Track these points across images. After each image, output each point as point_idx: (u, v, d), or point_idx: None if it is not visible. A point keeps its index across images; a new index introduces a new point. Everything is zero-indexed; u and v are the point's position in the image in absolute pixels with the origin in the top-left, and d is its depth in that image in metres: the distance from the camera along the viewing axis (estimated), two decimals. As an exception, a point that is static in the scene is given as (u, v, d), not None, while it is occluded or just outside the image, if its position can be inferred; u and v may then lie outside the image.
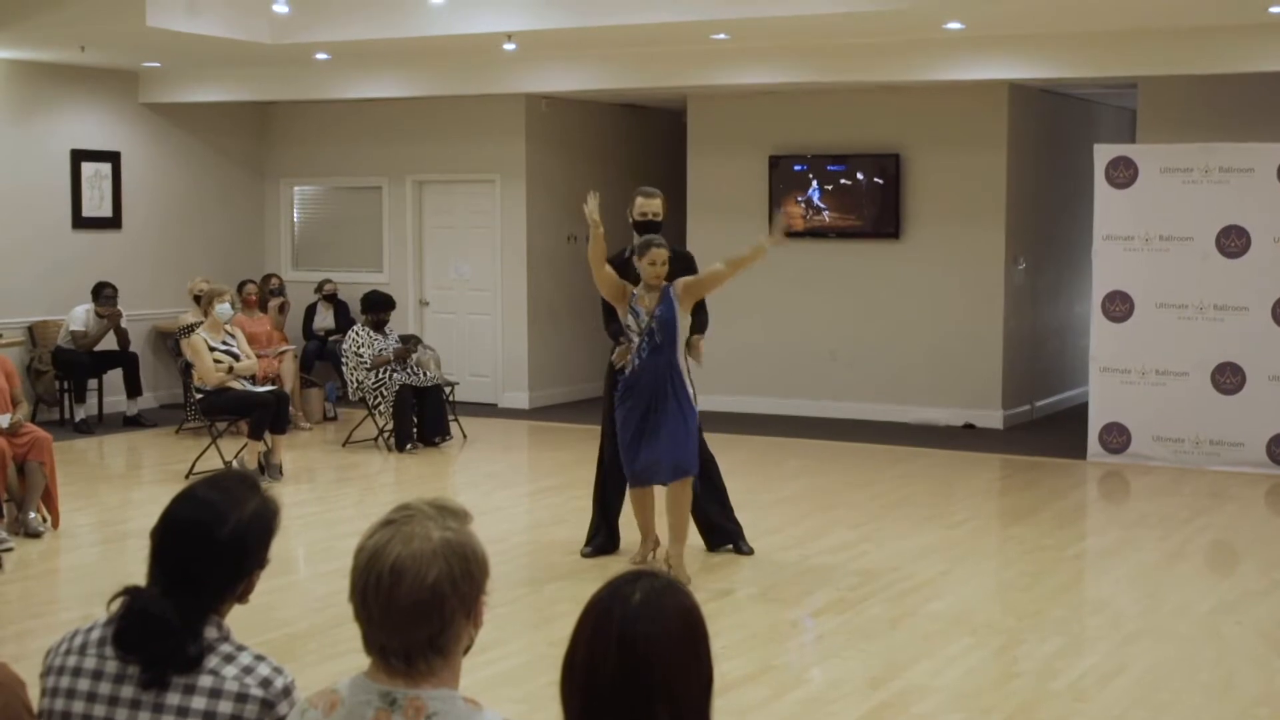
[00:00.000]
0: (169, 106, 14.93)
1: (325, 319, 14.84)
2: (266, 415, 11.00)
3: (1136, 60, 11.41)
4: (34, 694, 2.96)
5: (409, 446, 12.34)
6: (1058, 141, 14.32)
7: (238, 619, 2.93)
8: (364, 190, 15.67)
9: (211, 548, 2.84)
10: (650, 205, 8.22)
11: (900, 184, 13.64)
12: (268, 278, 14.94)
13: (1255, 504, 10.52)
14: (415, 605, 2.47)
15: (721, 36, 11.76)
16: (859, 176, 13.78)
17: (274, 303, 14.17)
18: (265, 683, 2.77)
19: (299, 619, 7.27)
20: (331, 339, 14.40)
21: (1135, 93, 12.96)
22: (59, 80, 13.97)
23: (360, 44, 12.38)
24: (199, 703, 2.75)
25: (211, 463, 10.73)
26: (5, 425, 8.98)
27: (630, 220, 8.31)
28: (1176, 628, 7.33)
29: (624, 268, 7.96)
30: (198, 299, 12.10)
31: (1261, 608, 7.66)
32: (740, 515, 8.75)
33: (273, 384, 11.99)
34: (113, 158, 14.54)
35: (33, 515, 9.08)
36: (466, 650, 2.60)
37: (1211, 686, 6.39)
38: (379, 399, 12.49)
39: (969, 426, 13.52)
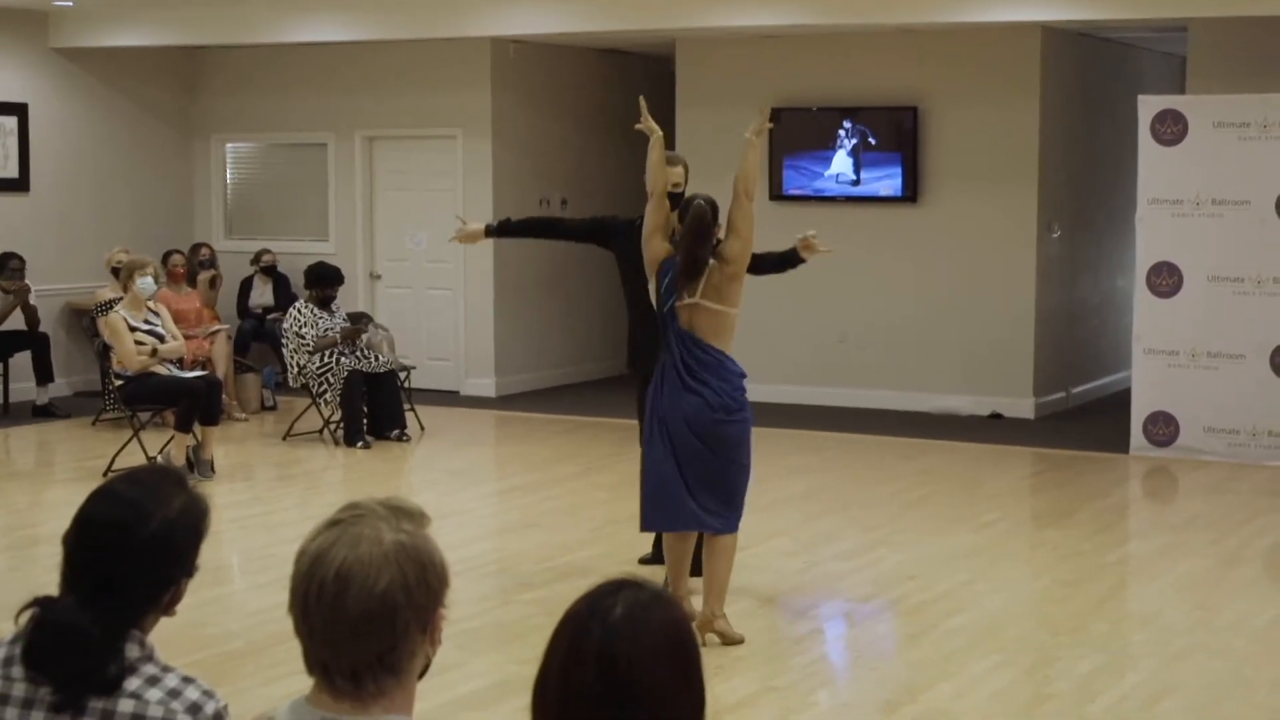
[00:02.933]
0: (83, 51, 14.86)
1: (263, 295, 14.82)
2: (196, 404, 10.98)
3: (1187, -1, 11.44)
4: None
5: (359, 441, 12.33)
6: (1098, 92, 14.34)
7: (164, 636, 2.92)
8: (307, 148, 15.64)
9: (133, 551, 2.83)
10: (674, 174, 7.77)
11: (918, 141, 13.64)
12: (196, 247, 14.90)
13: (1320, 503, 10.57)
14: (363, 616, 2.46)
15: (715, -28, 11.75)
16: (871, 132, 13.79)
17: (204, 276, 14.15)
18: (194, 708, 2.76)
19: (233, 636, 7.27)
20: (270, 317, 14.38)
21: (1185, 37, 12.96)
22: (-43, 22, 13.93)
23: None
24: (119, 731, 2.74)
25: (133, 458, 10.69)
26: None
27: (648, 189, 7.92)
28: (1232, 643, 7.36)
29: (631, 235, 7.75)
30: (116, 272, 12.07)
31: (1327, 621, 7.70)
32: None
33: (203, 368, 11.98)
34: (18, 110, 14.47)
35: (-71, 519, 9.08)
36: (423, 673, 2.59)
37: (1271, 708, 6.42)
38: (324, 386, 12.48)
39: (996, 416, 13.55)
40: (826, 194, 13.96)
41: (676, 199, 7.58)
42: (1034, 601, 8.32)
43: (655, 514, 7.17)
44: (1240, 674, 6.91)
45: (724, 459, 7.01)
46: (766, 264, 7.81)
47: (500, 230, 7.99)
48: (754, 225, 7.16)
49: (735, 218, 7.13)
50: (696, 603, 7.11)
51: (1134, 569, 9.15)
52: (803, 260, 7.83)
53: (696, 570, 7.28)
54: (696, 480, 6.99)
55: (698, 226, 6.93)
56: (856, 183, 13.90)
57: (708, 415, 6.92)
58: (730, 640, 7.06)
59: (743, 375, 7.13)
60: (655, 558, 7.83)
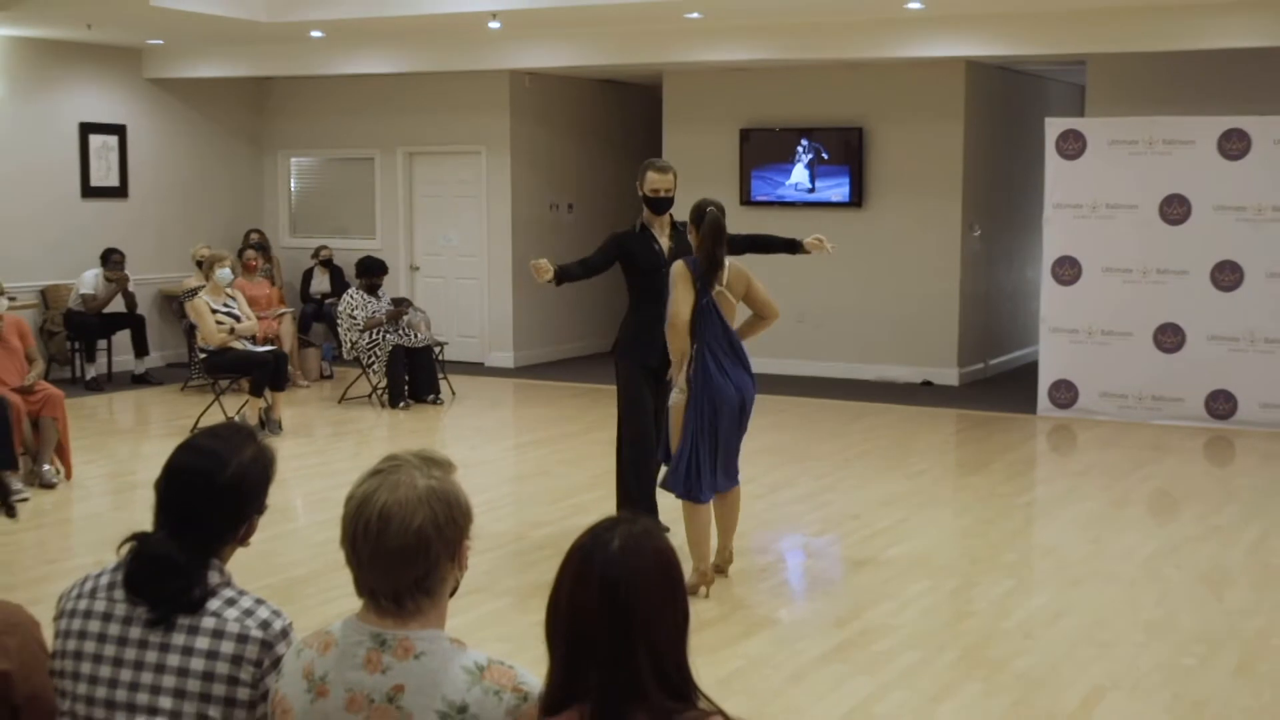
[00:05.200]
0: (172, 82, 14.82)
1: (321, 283, 14.79)
2: (266, 374, 10.97)
3: (1085, 38, 11.40)
4: (48, 635, 2.95)
5: (401, 403, 12.31)
6: (1011, 116, 14.31)
7: (240, 565, 2.91)
8: (358, 161, 15.59)
9: (212, 493, 2.83)
10: (663, 181, 7.39)
11: (863, 156, 13.62)
12: (248, 234, 14.86)
13: (1194, 455, 10.57)
14: (402, 548, 2.46)
15: (695, 15, 11.69)
16: (824, 149, 13.76)
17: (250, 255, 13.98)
18: (264, 625, 2.76)
19: (297, 565, 7.27)
20: (327, 302, 14.35)
21: (1084, 69, 12.94)
22: (68, 57, 13.86)
23: (353, 22, 12.29)
24: (202, 643, 2.74)
25: (215, 418, 10.65)
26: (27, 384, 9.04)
27: (641, 194, 7.50)
28: (1120, 571, 7.37)
29: (635, 242, 7.47)
30: (200, 264, 12.04)
31: (1199, 552, 7.70)
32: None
33: (272, 344, 11.96)
34: (119, 130, 14.43)
35: (47, 467, 9.06)
36: (453, 593, 2.59)
37: (1153, 625, 6.43)
38: (372, 358, 12.46)
39: (927, 384, 13.55)
40: (787, 200, 13.93)
41: (668, 203, 7.45)
42: (957, 536, 8.32)
43: (684, 486, 6.69)
44: (1127, 596, 6.92)
45: (744, 425, 6.86)
46: (775, 244, 7.65)
47: (560, 278, 7.63)
48: (756, 304, 6.91)
49: (758, 301, 6.88)
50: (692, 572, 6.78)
51: (1040, 509, 9.16)
52: (805, 251, 7.61)
53: None
54: (725, 454, 6.74)
55: (714, 232, 6.62)
56: (812, 190, 13.86)
57: (752, 384, 6.79)
58: (725, 569, 7.03)
59: None
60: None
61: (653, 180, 7.41)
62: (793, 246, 7.67)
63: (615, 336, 7.85)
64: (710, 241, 6.66)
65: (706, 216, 6.67)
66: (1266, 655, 5.98)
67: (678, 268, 6.69)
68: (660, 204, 7.43)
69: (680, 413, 6.66)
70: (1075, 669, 5.80)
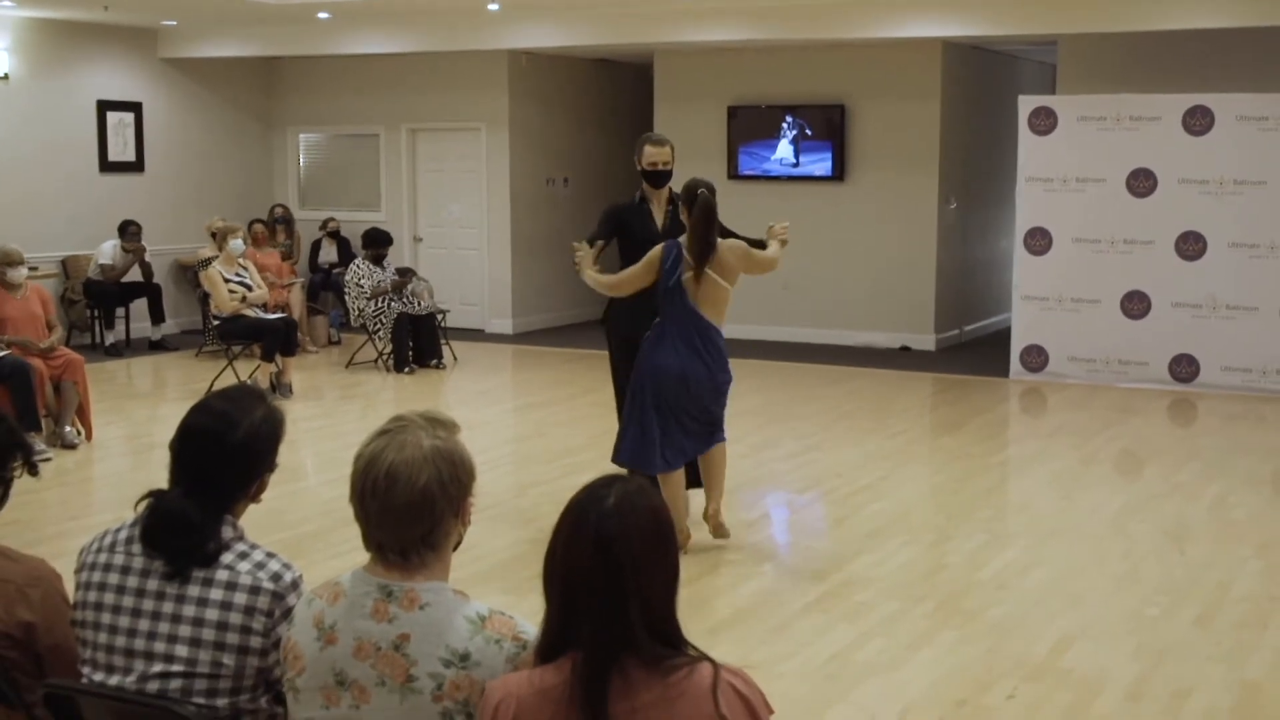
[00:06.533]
0: (185, 61, 14.73)
1: (329, 253, 14.75)
2: (277, 340, 10.95)
3: (1057, 19, 11.35)
4: (69, 587, 2.95)
5: (405, 368, 12.30)
6: (986, 93, 14.26)
7: (252, 521, 2.91)
8: (363, 137, 15.51)
9: (225, 452, 2.82)
10: (660, 154, 7.14)
11: (845, 132, 13.57)
12: (273, 208, 14.88)
13: (1158, 416, 10.59)
14: (408, 506, 2.46)
15: (685, -3, 11.64)
16: (808, 125, 13.71)
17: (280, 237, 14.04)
18: (276, 577, 2.76)
19: (307, 521, 7.27)
20: (335, 271, 14.31)
21: (1056, 49, 12.89)
22: (85, 37, 13.77)
23: (358, 4, 12.24)
24: (216, 594, 2.74)
25: (228, 382, 10.65)
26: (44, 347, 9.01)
27: (639, 168, 7.24)
28: (1088, 526, 7.39)
29: (632, 214, 7.20)
30: (214, 236, 12.00)
31: (1163, 508, 7.72)
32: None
33: (282, 312, 11.92)
34: (135, 108, 14.35)
35: (68, 429, 9.06)
36: (456, 546, 2.59)
37: (1119, 577, 6.45)
38: (378, 325, 12.43)
39: (905, 349, 13.55)
40: (772, 174, 13.90)
41: (666, 176, 7.20)
42: (934, 493, 8.34)
43: (629, 455, 6.58)
44: (1095, 549, 6.94)
45: (715, 404, 6.60)
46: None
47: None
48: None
49: (760, 264, 6.74)
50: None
51: (1012, 468, 9.17)
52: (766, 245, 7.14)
53: (696, 482, 6.85)
54: (681, 424, 6.51)
55: (705, 215, 6.41)
56: (796, 165, 13.82)
57: (705, 375, 6.48)
58: (721, 534, 6.77)
59: (723, 340, 6.65)
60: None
61: (650, 154, 7.18)
62: (757, 245, 7.17)
63: (606, 304, 7.55)
64: (702, 226, 6.44)
65: (698, 199, 6.45)
66: (1226, 605, 6.01)
67: (654, 251, 6.54)
68: (659, 177, 7.20)
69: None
70: (1045, 618, 5.83)
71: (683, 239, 6.54)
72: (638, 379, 6.59)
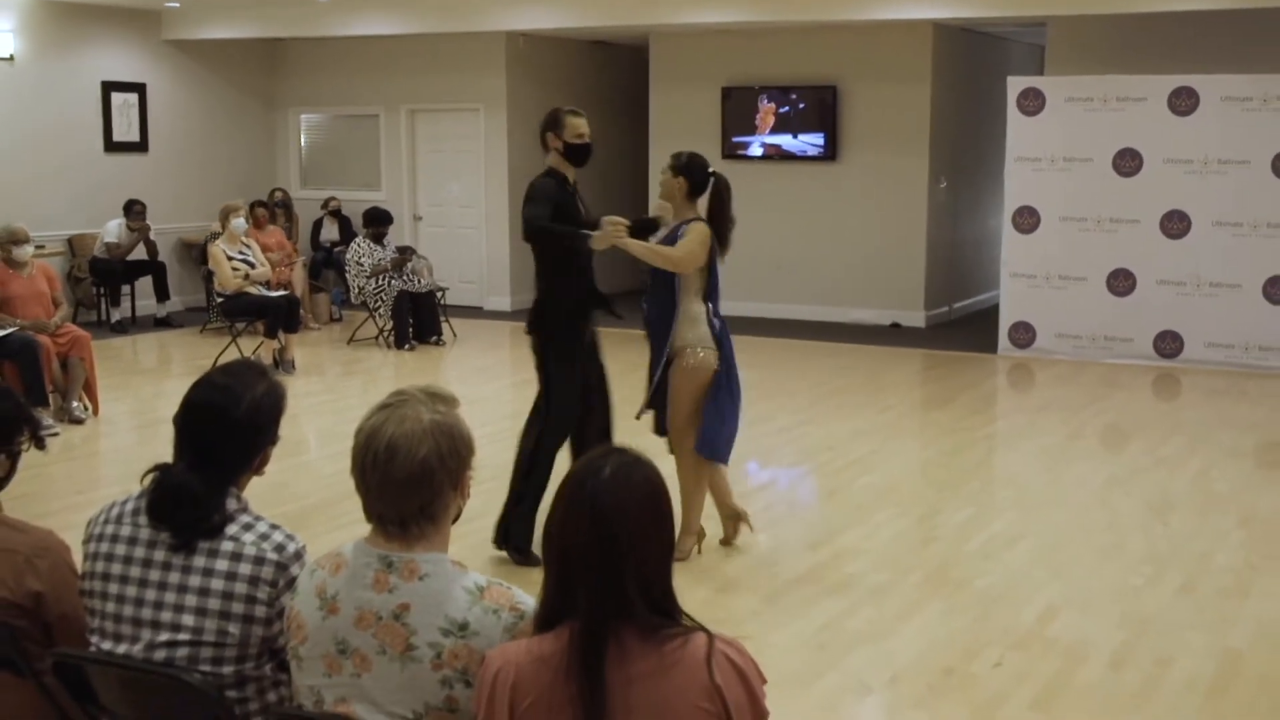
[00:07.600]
0: (188, 42, 14.67)
1: (331, 232, 14.72)
2: (280, 317, 10.94)
3: (1045, 1, 11.32)
4: (77, 558, 2.96)
5: (406, 344, 12.29)
6: (975, 75, 14.23)
7: (256, 492, 2.91)
8: (364, 118, 15.47)
9: (228, 426, 2.82)
10: (587, 126, 6.16)
11: (837, 112, 13.54)
12: (273, 191, 14.82)
13: (1143, 392, 10.60)
14: (408, 478, 2.46)
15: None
16: (801, 106, 13.68)
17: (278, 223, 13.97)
18: (280, 548, 2.76)
19: (310, 493, 7.29)
20: (336, 249, 14.28)
21: (1044, 31, 12.86)
22: (90, 19, 13.72)
23: (358, -14, 12.17)
24: (221, 565, 2.74)
25: (232, 358, 10.63)
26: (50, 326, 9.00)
27: (559, 144, 6.20)
28: (1074, 498, 7.41)
29: (564, 196, 6.23)
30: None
31: (1147, 481, 7.74)
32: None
33: (285, 289, 11.91)
34: (139, 89, 14.30)
35: (75, 404, 9.06)
36: (455, 519, 2.59)
37: (1104, 548, 6.47)
38: (379, 303, 12.42)
39: (895, 325, 13.55)
40: (766, 155, 13.86)
41: (586, 150, 6.16)
42: (923, 466, 8.35)
43: (709, 448, 6.16)
44: (1080, 521, 6.95)
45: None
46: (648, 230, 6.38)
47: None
48: (688, 251, 5.89)
49: (680, 253, 5.89)
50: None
51: (1000, 442, 9.19)
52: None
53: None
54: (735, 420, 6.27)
55: (729, 192, 5.94)
56: (789, 144, 13.79)
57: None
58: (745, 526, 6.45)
59: None
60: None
61: (576, 125, 6.09)
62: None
63: (535, 310, 6.44)
64: (729, 204, 5.94)
65: (719, 178, 5.94)
66: (1207, 575, 6.02)
67: (705, 228, 5.88)
68: (584, 152, 6.13)
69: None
70: (1031, 588, 5.84)
71: (693, 221, 5.92)
72: (725, 369, 6.14)
